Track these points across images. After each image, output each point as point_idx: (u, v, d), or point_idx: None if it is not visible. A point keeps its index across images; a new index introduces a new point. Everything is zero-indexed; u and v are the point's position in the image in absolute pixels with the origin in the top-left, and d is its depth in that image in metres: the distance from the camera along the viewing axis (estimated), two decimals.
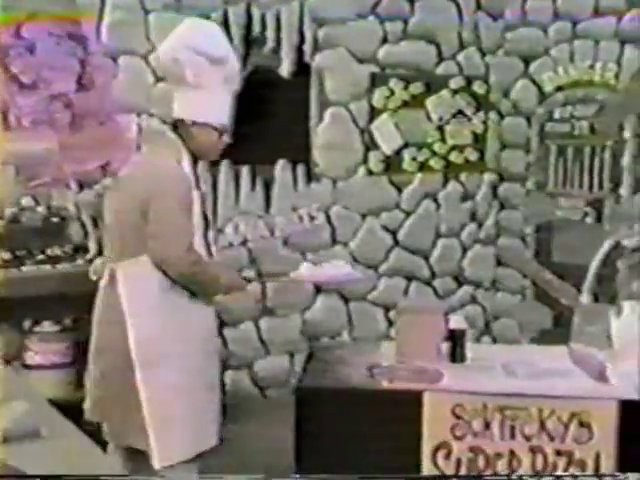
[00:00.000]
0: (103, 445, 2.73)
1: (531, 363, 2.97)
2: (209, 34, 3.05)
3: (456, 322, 3.08)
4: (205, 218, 3.03)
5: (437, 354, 2.98)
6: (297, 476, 2.63)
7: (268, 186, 4.90)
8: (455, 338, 3.01)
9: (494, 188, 5.42)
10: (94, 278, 3.16)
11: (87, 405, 3.02)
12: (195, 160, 3.05)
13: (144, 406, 2.80)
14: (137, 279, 2.86)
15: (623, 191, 4.94)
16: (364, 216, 5.09)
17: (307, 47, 4.83)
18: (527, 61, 5.23)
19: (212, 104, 3.01)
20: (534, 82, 5.24)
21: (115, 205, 3.02)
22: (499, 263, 5.47)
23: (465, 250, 5.38)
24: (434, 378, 2.80)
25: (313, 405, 2.78)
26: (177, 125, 3.02)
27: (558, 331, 4.35)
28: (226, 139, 3.08)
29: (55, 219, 4.28)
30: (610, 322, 3.04)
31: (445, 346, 3.02)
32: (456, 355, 2.99)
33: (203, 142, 3.01)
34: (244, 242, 4.86)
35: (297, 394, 2.80)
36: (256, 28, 4.66)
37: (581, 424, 2.65)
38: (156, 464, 2.80)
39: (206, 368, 2.98)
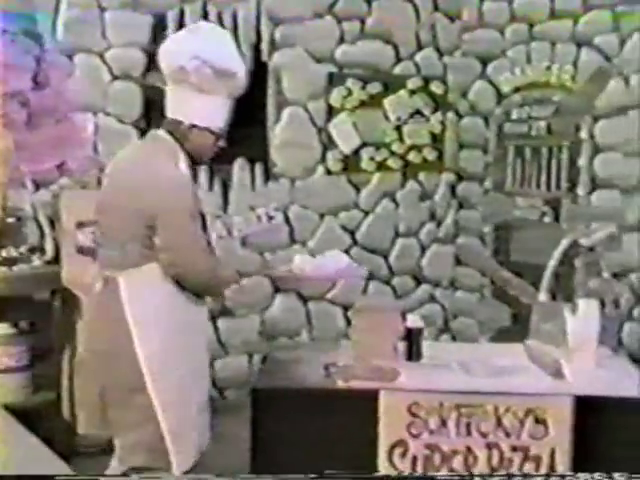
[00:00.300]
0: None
1: (488, 361, 2.97)
2: (220, 45, 2.94)
3: (412, 321, 3.07)
4: (202, 216, 2.91)
5: (394, 353, 2.97)
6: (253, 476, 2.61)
7: (226, 186, 4.86)
8: (412, 337, 3.01)
9: (453, 188, 5.43)
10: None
11: (82, 418, 2.96)
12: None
13: (159, 413, 2.71)
14: (144, 289, 2.76)
15: (580, 191, 4.96)
16: (322, 215, 5.08)
17: (264, 46, 4.80)
18: (484, 62, 5.23)
19: (213, 109, 2.92)
20: (491, 83, 5.25)
21: (113, 213, 2.86)
22: (458, 262, 5.49)
23: (424, 249, 5.39)
24: (390, 377, 2.79)
25: (269, 406, 2.76)
26: (171, 125, 2.90)
27: (516, 329, 4.37)
28: (221, 143, 3.00)
29: (11, 220, 4.19)
30: (566, 319, 3.05)
31: (402, 345, 3.02)
32: (412, 354, 2.99)
33: (199, 145, 2.90)
34: None
35: (253, 395, 2.79)
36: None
37: (537, 420, 2.67)
38: (176, 471, 2.71)
39: (207, 365, 2.98)
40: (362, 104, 5.02)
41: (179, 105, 2.90)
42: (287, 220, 5.00)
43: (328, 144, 5.02)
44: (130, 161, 2.95)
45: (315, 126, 4.99)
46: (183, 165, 2.84)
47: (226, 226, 4.84)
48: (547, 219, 5.05)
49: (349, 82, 4.99)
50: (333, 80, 4.97)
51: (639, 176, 4.84)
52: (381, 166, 5.13)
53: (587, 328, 2.97)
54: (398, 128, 5.11)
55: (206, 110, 2.90)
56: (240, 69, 2.96)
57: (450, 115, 5.26)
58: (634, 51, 4.81)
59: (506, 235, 5.24)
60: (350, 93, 4.99)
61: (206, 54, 2.82)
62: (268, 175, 4.94)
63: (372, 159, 5.09)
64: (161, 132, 2.91)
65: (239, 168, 4.87)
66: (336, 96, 4.97)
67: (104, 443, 3.05)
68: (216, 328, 4.90)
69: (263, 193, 4.92)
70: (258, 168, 4.91)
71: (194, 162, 2.94)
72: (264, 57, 4.82)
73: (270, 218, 4.93)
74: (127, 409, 2.74)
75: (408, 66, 5.14)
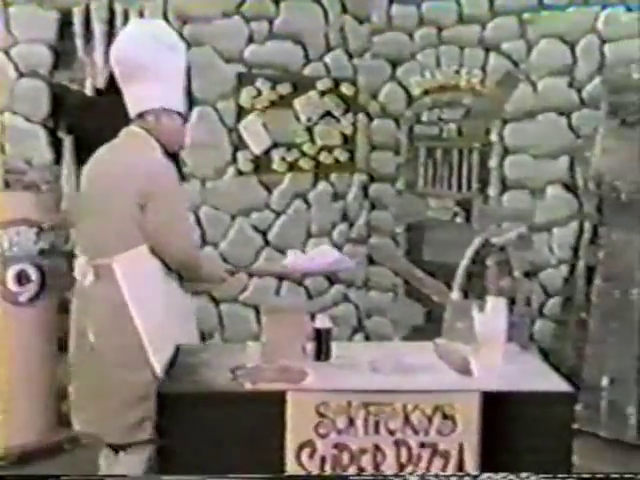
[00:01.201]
0: None
1: (397, 359, 2.94)
2: (160, 25, 3.17)
3: (321, 321, 3.02)
4: None
5: (302, 354, 2.93)
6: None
7: None
8: (320, 337, 2.96)
9: (365, 188, 5.43)
10: (79, 278, 3.09)
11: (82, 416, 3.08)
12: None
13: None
14: (140, 269, 2.95)
15: (491, 191, 5.03)
16: (234, 217, 5.03)
17: None
18: (394, 65, 5.25)
19: (174, 91, 3.05)
20: (402, 85, 5.27)
21: (100, 206, 2.98)
22: (371, 262, 5.48)
23: (337, 249, 5.36)
24: (298, 377, 2.75)
25: (175, 411, 2.67)
26: (139, 120, 3.02)
27: (430, 327, 4.38)
28: (186, 126, 3.17)
29: None
30: (474, 317, 3.05)
31: (310, 345, 2.97)
32: (321, 354, 2.95)
33: (171, 130, 3.04)
34: None
35: (158, 400, 2.69)
36: (118, 24, 4.52)
37: (444, 417, 2.64)
38: None
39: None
40: (272, 104, 4.99)
41: (138, 99, 3.02)
42: (198, 221, 4.93)
43: (239, 144, 4.96)
44: (112, 154, 3.06)
45: (225, 126, 4.94)
46: (158, 152, 2.98)
47: None
48: (459, 219, 5.09)
49: (258, 82, 4.95)
50: (242, 80, 4.92)
51: (547, 178, 4.94)
52: (292, 167, 5.10)
53: (494, 325, 2.97)
54: (309, 129, 5.09)
55: (169, 93, 3.03)
56: (181, 44, 3.12)
57: (361, 116, 5.26)
58: (541, 57, 4.90)
59: (419, 235, 5.26)
60: (260, 93, 4.95)
61: (154, 33, 3.01)
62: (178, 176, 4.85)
63: (283, 160, 5.05)
64: (133, 127, 3.04)
65: None
66: (245, 96, 4.92)
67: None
68: None
69: None
70: None
71: (168, 152, 3.06)
72: None
73: None
74: (131, 388, 2.93)
75: (318, 67, 5.13)
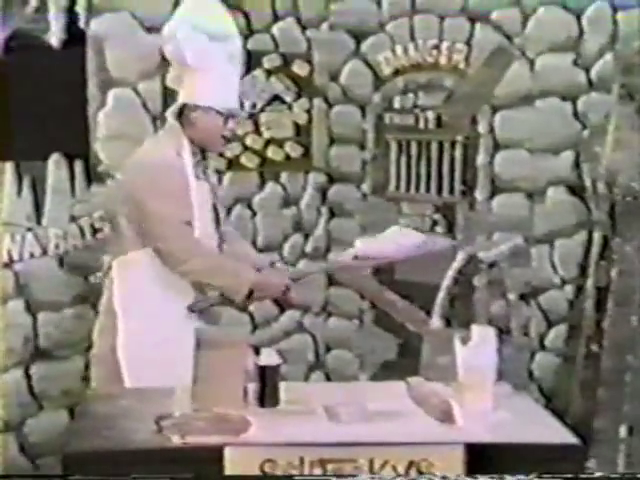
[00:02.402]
0: None
1: (362, 404, 2.96)
2: (207, 9, 3.57)
3: (267, 356, 3.05)
4: (215, 210, 3.73)
5: (242, 398, 2.96)
6: None
7: (38, 189, 4.81)
8: (265, 377, 2.99)
9: (323, 191, 5.43)
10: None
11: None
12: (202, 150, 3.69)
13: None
14: (134, 272, 3.58)
15: (478, 195, 5.06)
16: None
17: (80, 10, 4.73)
18: (358, 38, 5.26)
19: (215, 86, 3.50)
20: (368, 64, 5.28)
21: (116, 200, 3.77)
22: (331, 282, 5.47)
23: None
24: (238, 428, 2.76)
25: (85, 474, 2.67)
26: (181, 112, 3.62)
27: (404, 363, 4.41)
28: (232, 125, 3.67)
29: None
30: (456, 351, 3.07)
31: (253, 387, 2.99)
32: (266, 398, 2.97)
33: (205, 129, 3.56)
34: (8, 263, 4.76)
35: (63, 462, 2.70)
36: None
37: (421, 474, 2.66)
38: None
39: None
40: None
41: (182, 87, 3.61)
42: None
43: None
44: (144, 145, 3.81)
45: (149, 113, 4.91)
46: (186, 153, 3.53)
47: (40, 242, 4.81)
48: (439, 229, 5.12)
49: None
50: None
51: (548, 178, 4.98)
52: (233, 164, 5.09)
53: (481, 361, 3.00)
54: (253, 117, 5.08)
55: (207, 88, 3.49)
56: (233, 31, 3.63)
57: (318, 102, 5.25)
58: (539, 29, 4.94)
59: None
60: None
61: (194, 20, 3.46)
62: (91, 175, 4.88)
63: (221, 155, 5.02)
64: (170, 119, 3.65)
65: (54, 166, 4.81)
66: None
67: None
68: (28, 376, 4.84)
69: (85, 198, 4.87)
70: (78, 166, 4.85)
71: (204, 149, 3.68)
72: (81, 24, 4.74)
73: (95, 231, 4.87)
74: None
75: (263, 40, 5.11)
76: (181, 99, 3.63)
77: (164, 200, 3.47)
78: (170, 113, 3.71)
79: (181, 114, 3.64)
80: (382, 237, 3.70)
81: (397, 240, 3.59)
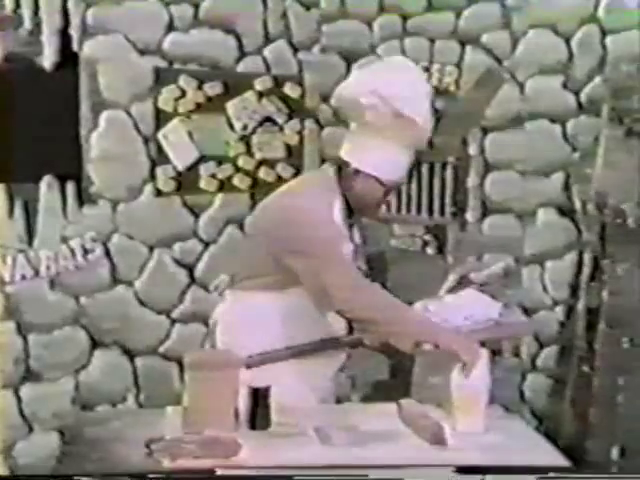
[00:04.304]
0: None
1: (352, 426, 2.95)
2: (406, 84, 3.26)
3: (258, 378, 3.02)
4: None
5: (233, 420, 2.93)
6: None
7: (30, 211, 4.80)
8: (257, 398, 2.97)
9: None
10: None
11: None
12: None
13: None
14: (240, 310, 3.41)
15: (469, 216, 5.06)
16: (152, 248, 4.99)
17: (74, 32, 4.73)
18: (349, 60, 5.26)
19: (386, 157, 3.26)
20: None
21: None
22: None
23: None
24: (229, 451, 2.74)
25: None
26: (341, 164, 3.36)
27: (395, 384, 4.39)
28: (390, 197, 3.47)
29: None
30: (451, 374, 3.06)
31: (245, 409, 2.98)
32: (257, 420, 2.95)
33: (363, 194, 3.30)
34: None
35: None
36: (8, 3, 4.54)
37: None
38: None
39: None
40: (199, 108, 4.95)
41: (351, 145, 3.34)
42: (107, 253, 4.91)
43: (158, 158, 4.93)
44: (289, 183, 3.69)
45: (141, 135, 4.91)
46: (336, 209, 3.27)
47: (31, 263, 4.78)
48: (430, 250, 5.11)
49: (181, 80, 4.91)
50: (161, 77, 4.90)
51: (538, 199, 4.98)
52: (224, 185, 5.06)
53: (473, 383, 2.98)
54: (245, 139, 5.07)
55: (377, 156, 3.26)
56: (423, 117, 3.25)
57: (309, 124, 5.25)
58: (529, 52, 4.95)
59: (380, 269, 5.24)
60: (183, 94, 4.92)
61: (386, 90, 3.18)
62: (83, 197, 4.86)
63: (213, 177, 5.02)
64: (330, 168, 3.40)
65: (46, 188, 4.79)
66: (166, 97, 4.89)
67: None
68: (18, 398, 4.80)
69: (77, 220, 4.85)
70: (70, 188, 4.83)
71: (353, 211, 3.37)
72: (74, 46, 4.75)
73: (86, 252, 4.85)
74: None
75: (255, 62, 5.12)
76: (344, 154, 3.36)
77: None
78: (328, 164, 3.48)
79: (340, 169, 3.37)
80: (455, 302, 3.35)
81: (473, 308, 3.33)
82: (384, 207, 5.09)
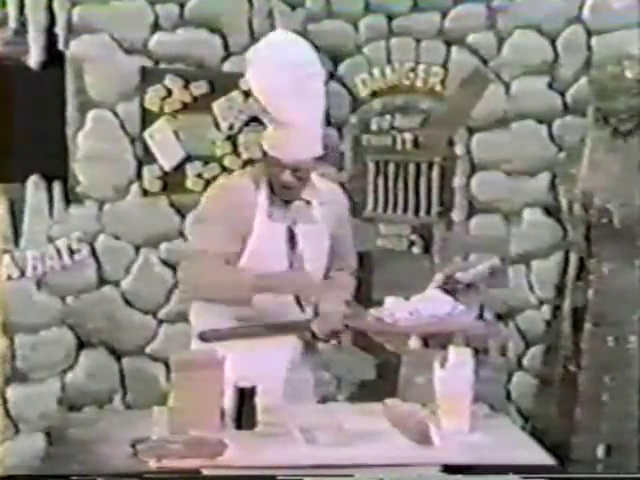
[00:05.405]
0: None
1: (338, 426, 2.94)
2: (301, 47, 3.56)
3: (243, 378, 3.01)
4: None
5: (218, 420, 2.93)
6: None
7: (16, 211, 4.80)
8: (243, 398, 2.96)
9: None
10: None
11: None
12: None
13: None
14: None
15: (455, 216, 5.06)
16: (138, 248, 4.98)
17: (60, 30, 4.72)
18: (335, 60, 5.25)
19: (284, 138, 3.41)
20: (345, 85, 5.27)
21: None
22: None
23: None
24: (214, 451, 2.73)
25: None
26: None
27: (381, 384, 4.38)
28: (302, 175, 3.44)
29: None
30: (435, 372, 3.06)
31: (230, 409, 2.98)
32: (243, 420, 2.94)
33: (273, 176, 3.45)
34: None
35: None
36: None
37: None
38: None
39: None
40: (185, 107, 4.95)
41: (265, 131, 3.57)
42: (94, 253, 4.91)
43: (144, 157, 4.93)
44: None
45: (127, 135, 4.91)
46: (262, 193, 3.46)
47: (17, 264, 4.78)
48: (416, 250, 5.11)
49: (167, 80, 4.91)
50: (147, 77, 4.89)
51: (524, 199, 4.98)
52: (210, 185, 5.05)
53: (458, 382, 2.99)
54: (231, 138, 5.05)
55: (275, 138, 3.44)
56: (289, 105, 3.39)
57: None
58: (514, 52, 4.96)
59: (367, 269, 5.24)
60: (169, 94, 4.91)
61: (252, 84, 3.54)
62: (69, 196, 4.86)
63: (200, 176, 5.01)
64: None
65: (33, 187, 4.80)
66: (152, 97, 4.89)
67: None
68: (4, 399, 4.80)
69: (63, 219, 4.85)
70: (57, 187, 4.83)
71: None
72: (60, 45, 4.74)
73: (72, 252, 4.85)
74: None
75: (241, 61, 5.08)
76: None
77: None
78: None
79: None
80: (412, 301, 3.43)
81: (420, 305, 3.38)
82: (371, 206, 5.17)
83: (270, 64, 3.44)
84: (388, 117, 5.17)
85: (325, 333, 3.49)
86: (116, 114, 4.88)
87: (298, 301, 3.52)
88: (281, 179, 3.43)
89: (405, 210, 5.13)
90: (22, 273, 4.79)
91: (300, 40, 3.62)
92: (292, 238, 3.51)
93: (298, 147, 3.42)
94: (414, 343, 3.67)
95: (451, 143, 5.06)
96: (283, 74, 3.37)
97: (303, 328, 3.52)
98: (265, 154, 3.52)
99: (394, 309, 3.36)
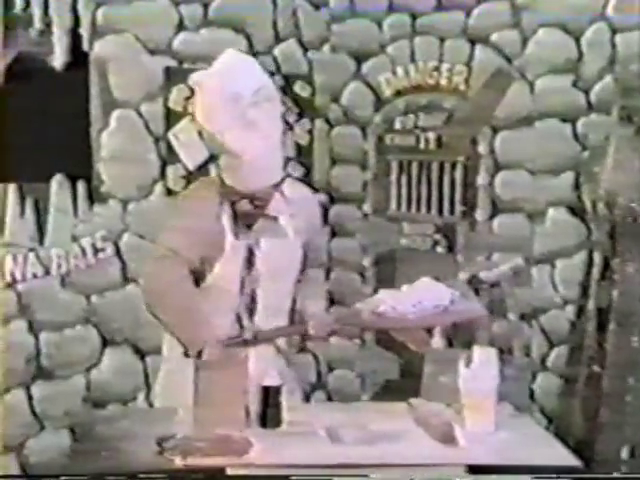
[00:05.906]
0: None
1: (363, 425, 2.96)
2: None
3: (270, 377, 3.04)
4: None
5: (244, 418, 2.94)
6: None
7: (40, 210, 4.82)
8: (268, 397, 2.98)
9: (324, 211, 5.41)
10: None
11: None
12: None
13: None
14: None
15: (478, 215, 5.04)
16: None
17: (84, 31, 4.74)
18: (359, 59, 5.26)
19: (239, 169, 3.43)
20: (369, 85, 5.28)
21: None
22: (332, 302, 5.44)
23: None
24: (239, 449, 2.74)
25: None
26: None
27: (406, 384, 4.36)
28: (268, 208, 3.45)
29: None
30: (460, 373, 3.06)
31: (256, 408, 2.98)
32: (268, 419, 2.96)
33: (234, 202, 3.45)
34: (11, 283, 4.75)
35: None
36: (18, 2, 4.54)
37: None
38: None
39: None
40: None
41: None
42: (118, 252, 4.92)
43: (168, 157, 4.94)
44: None
45: (151, 134, 4.92)
46: (226, 213, 3.44)
47: (42, 262, 4.80)
48: (439, 249, 5.10)
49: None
50: (171, 77, 4.90)
51: (548, 198, 4.97)
52: None
53: (483, 382, 2.98)
54: None
55: (228, 166, 3.52)
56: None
57: (319, 123, 5.24)
58: (539, 50, 4.94)
59: (390, 269, 5.24)
60: (193, 93, 4.91)
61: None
62: (93, 196, 4.87)
63: None
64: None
65: (57, 187, 4.81)
66: (176, 97, 4.90)
67: None
68: (29, 396, 4.82)
69: (88, 219, 4.86)
70: (81, 187, 4.85)
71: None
72: (85, 46, 4.76)
73: (97, 251, 4.87)
74: None
75: (265, 62, 5.09)
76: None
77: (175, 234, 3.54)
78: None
79: None
80: (407, 292, 3.41)
81: (422, 296, 3.36)
82: (394, 205, 5.17)
83: (213, 96, 3.44)
84: (412, 116, 5.17)
85: (322, 333, 3.50)
86: (140, 114, 4.89)
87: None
88: (238, 207, 3.43)
89: (429, 209, 5.12)
90: (47, 271, 4.80)
91: (248, 65, 3.66)
92: (250, 258, 3.47)
93: (252, 177, 3.39)
94: (437, 343, 3.68)
95: (475, 142, 5.05)
96: (226, 107, 3.37)
97: (298, 331, 3.56)
98: (222, 181, 3.53)
99: (393, 302, 3.34)
